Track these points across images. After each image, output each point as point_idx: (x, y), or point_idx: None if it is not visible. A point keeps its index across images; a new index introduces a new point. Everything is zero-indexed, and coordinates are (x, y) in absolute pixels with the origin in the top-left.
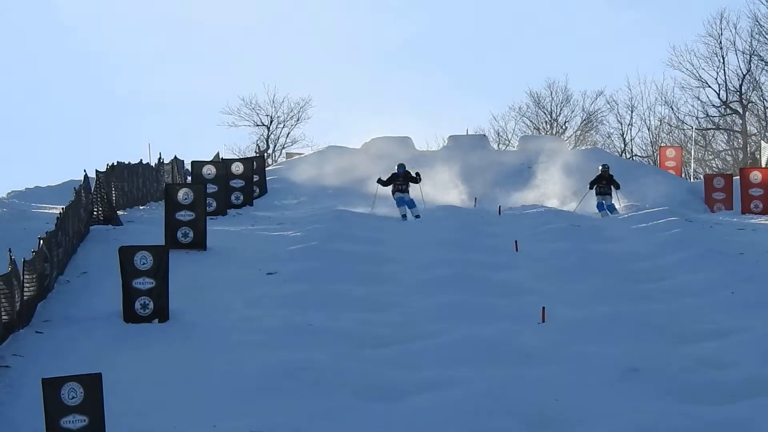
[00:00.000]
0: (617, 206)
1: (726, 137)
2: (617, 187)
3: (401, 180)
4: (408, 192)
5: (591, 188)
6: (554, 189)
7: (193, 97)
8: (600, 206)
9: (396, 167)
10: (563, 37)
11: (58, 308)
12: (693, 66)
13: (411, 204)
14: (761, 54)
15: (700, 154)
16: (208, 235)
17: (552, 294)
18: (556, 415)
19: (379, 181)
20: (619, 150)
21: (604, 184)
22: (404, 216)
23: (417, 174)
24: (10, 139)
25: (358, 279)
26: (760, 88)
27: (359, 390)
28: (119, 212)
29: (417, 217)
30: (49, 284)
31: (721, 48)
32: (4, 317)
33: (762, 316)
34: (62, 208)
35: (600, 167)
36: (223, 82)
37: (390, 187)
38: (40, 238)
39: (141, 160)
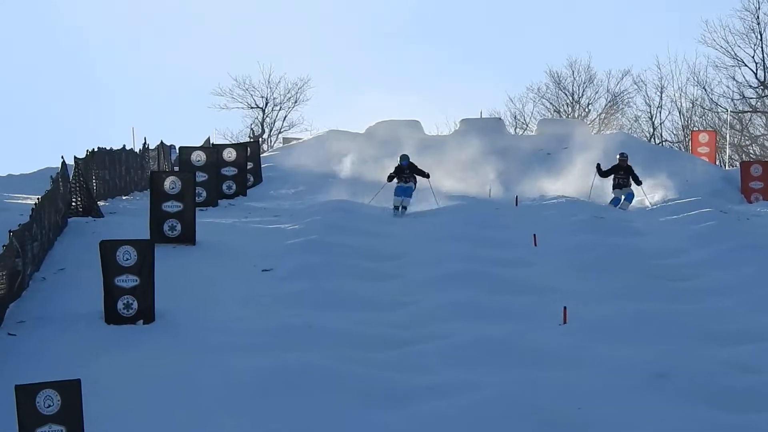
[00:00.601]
0: (647, 201)
1: (764, 120)
2: (638, 182)
3: (407, 173)
4: (412, 183)
5: (603, 176)
6: (576, 177)
7: (182, 77)
8: (615, 201)
9: (399, 159)
10: (586, 11)
11: (33, 308)
12: (728, 43)
13: (407, 193)
14: None
15: (735, 139)
16: (197, 228)
17: (573, 292)
18: (577, 424)
19: (389, 178)
20: (648, 134)
21: (621, 174)
22: (397, 208)
23: (424, 172)
24: None
25: (361, 276)
26: None
27: (362, 396)
28: (100, 203)
29: (404, 208)
30: (22, 282)
31: (758, 23)
32: None
33: None
34: (38, 199)
35: (618, 156)
36: (214, 61)
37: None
38: (10, 232)
39: (124, 145)
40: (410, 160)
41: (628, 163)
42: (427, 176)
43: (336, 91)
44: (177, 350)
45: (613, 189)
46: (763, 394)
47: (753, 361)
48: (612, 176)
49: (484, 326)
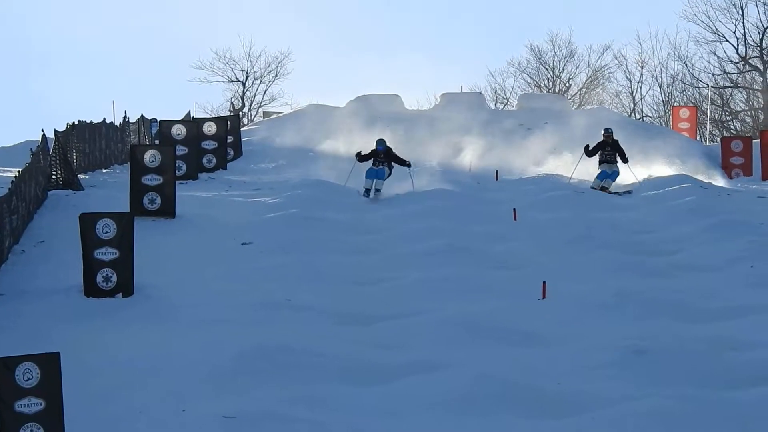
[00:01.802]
0: (635, 179)
1: (745, 96)
2: (624, 159)
3: (382, 158)
4: (385, 167)
5: (589, 156)
6: (556, 151)
7: (161, 50)
8: (603, 175)
9: (375, 144)
10: None
11: (13, 281)
12: (709, 18)
13: (381, 176)
14: None
15: (716, 115)
16: (177, 202)
17: (554, 267)
18: (557, 400)
19: (358, 155)
20: (628, 110)
21: (608, 150)
22: (368, 191)
23: (405, 160)
24: None
25: (342, 250)
26: None
27: (342, 372)
28: (80, 176)
29: (377, 191)
30: (2, 255)
31: None
32: None
33: None
34: (17, 172)
35: (602, 132)
36: (194, 34)
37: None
38: None
39: (104, 119)
40: (387, 146)
41: (614, 138)
42: (408, 165)
43: (316, 65)
44: (156, 324)
45: (600, 164)
46: (744, 370)
47: (734, 337)
48: (599, 153)
49: (464, 302)
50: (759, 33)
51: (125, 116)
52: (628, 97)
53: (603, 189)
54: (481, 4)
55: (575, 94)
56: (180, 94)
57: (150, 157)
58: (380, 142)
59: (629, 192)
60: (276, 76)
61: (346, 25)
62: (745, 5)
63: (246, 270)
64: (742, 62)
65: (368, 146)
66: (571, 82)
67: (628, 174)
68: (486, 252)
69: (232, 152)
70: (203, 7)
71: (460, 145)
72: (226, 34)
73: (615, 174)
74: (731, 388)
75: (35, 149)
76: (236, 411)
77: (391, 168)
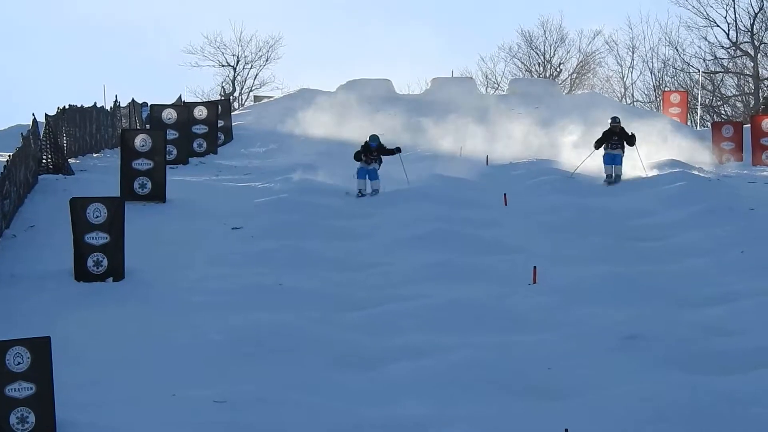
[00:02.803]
0: (643, 166)
1: (736, 81)
2: (632, 142)
3: (374, 155)
4: (376, 164)
5: (598, 148)
6: (547, 136)
7: (152, 35)
8: (606, 159)
9: (369, 139)
10: None
11: (3, 265)
12: (700, 3)
13: (373, 175)
14: None
15: (707, 100)
16: (167, 186)
17: (544, 253)
18: (548, 386)
19: (356, 156)
20: (619, 95)
21: (615, 140)
22: (361, 192)
23: (397, 148)
24: None
25: (332, 235)
26: None
27: (332, 357)
28: (70, 160)
29: (375, 191)
30: None
31: None
32: None
33: None
34: (8, 156)
35: (609, 121)
36: (185, 18)
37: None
38: None
39: (95, 103)
40: (380, 142)
41: (621, 126)
42: (398, 151)
43: (307, 50)
44: (146, 308)
45: (606, 150)
46: (736, 355)
47: (725, 323)
48: (605, 144)
49: (455, 288)
50: (750, 18)
51: (116, 100)
52: (619, 82)
53: (617, 177)
54: None
55: (566, 78)
56: (171, 78)
57: (140, 141)
58: (373, 138)
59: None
60: (267, 60)
61: (337, 10)
62: None
63: (236, 255)
64: (733, 47)
65: (359, 133)
66: (561, 67)
67: (637, 168)
68: (476, 237)
69: (222, 137)
70: None
71: (450, 130)
72: (216, 18)
73: (618, 157)
74: (722, 374)
75: (26, 133)
76: (226, 395)
77: (380, 163)
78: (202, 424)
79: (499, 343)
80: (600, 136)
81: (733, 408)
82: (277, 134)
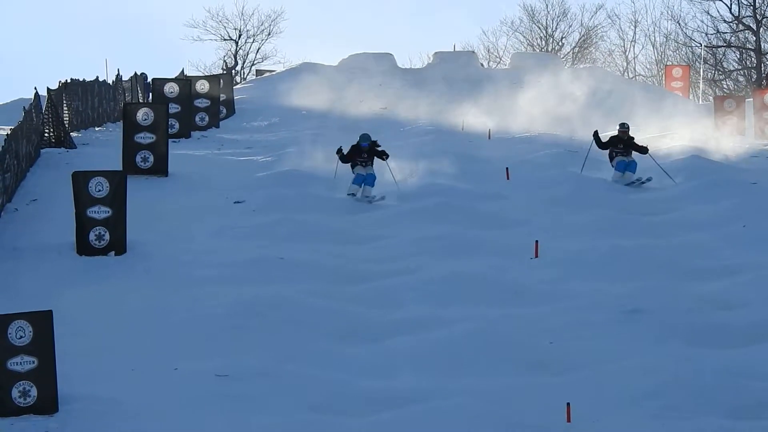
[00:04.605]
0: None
1: (738, 55)
2: (644, 151)
3: (365, 156)
4: (371, 167)
5: (601, 148)
6: (549, 110)
7: (155, 8)
8: (620, 165)
9: (359, 139)
10: None
11: (5, 239)
12: None
13: (370, 182)
14: None
15: (709, 74)
16: (170, 160)
17: (546, 226)
18: (550, 359)
19: (339, 153)
20: (621, 69)
21: (621, 149)
22: (353, 195)
23: (384, 152)
24: None
25: (333, 208)
26: None
27: (333, 330)
28: (73, 134)
29: (369, 199)
30: None
31: None
32: None
33: None
34: (10, 130)
35: (618, 128)
36: None
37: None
38: None
39: (97, 77)
40: (372, 141)
41: (630, 135)
42: (387, 157)
43: (309, 24)
44: (148, 282)
45: (615, 157)
46: (738, 329)
47: (728, 296)
48: (609, 149)
49: (457, 261)
50: None
51: (118, 74)
52: (621, 56)
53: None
54: None
55: (568, 53)
56: (173, 52)
57: (143, 115)
58: (365, 137)
59: (650, 179)
60: (269, 34)
61: None
62: None
63: (238, 228)
64: (736, 21)
65: (359, 105)
66: (564, 41)
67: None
68: (479, 211)
69: (224, 110)
70: None
71: (452, 104)
72: None
73: (633, 164)
74: (724, 347)
75: (28, 107)
76: (228, 368)
77: (373, 163)
78: (204, 397)
79: (501, 317)
80: (606, 140)
81: (734, 381)
82: (279, 108)
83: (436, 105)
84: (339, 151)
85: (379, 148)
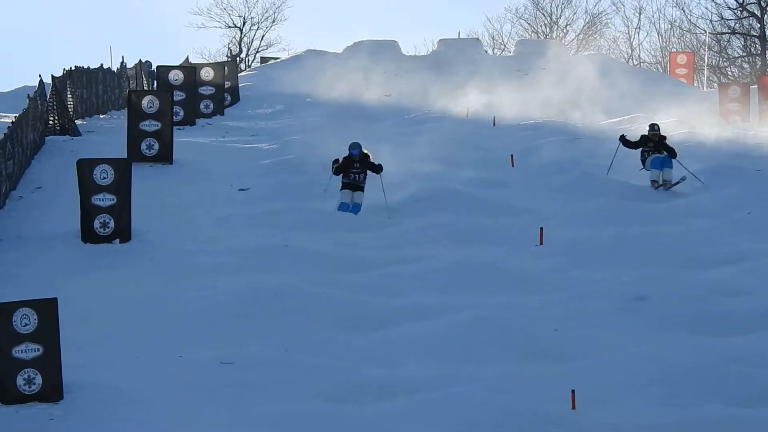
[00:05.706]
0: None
1: (743, 42)
2: (673, 155)
3: (357, 166)
4: (362, 185)
5: (627, 147)
6: (554, 97)
7: None
8: (655, 162)
9: (348, 149)
10: None
11: (10, 227)
12: None
13: (356, 210)
14: None
15: (714, 61)
16: (174, 147)
17: (551, 214)
18: (554, 347)
19: (335, 164)
20: (626, 56)
21: (651, 147)
22: (345, 205)
23: (377, 166)
24: None
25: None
26: None
27: (338, 318)
28: (77, 121)
29: (356, 205)
30: None
31: None
32: None
33: None
34: (14, 117)
35: (648, 128)
36: None
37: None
38: None
39: (101, 64)
40: (362, 151)
41: (661, 135)
42: (380, 170)
43: (314, 11)
44: (153, 269)
45: (644, 162)
46: (742, 316)
47: (733, 283)
48: (641, 150)
49: (461, 249)
50: None
51: (123, 61)
52: (626, 42)
53: (665, 183)
54: None
55: (573, 40)
56: (178, 39)
57: (147, 102)
58: (355, 146)
59: (683, 178)
60: (273, 21)
61: None
62: None
63: (243, 216)
64: (740, 8)
65: (363, 93)
66: (568, 28)
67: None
68: (483, 198)
69: (229, 98)
70: None
71: (457, 91)
72: None
73: (669, 161)
74: (728, 334)
75: (32, 95)
76: (232, 356)
77: (366, 176)
78: (208, 385)
79: (505, 304)
80: (637, 140)
81: (739, 368)
82: (284, 96)
83: (440, 92)
84: (335, 161)
85: (372, 160)
